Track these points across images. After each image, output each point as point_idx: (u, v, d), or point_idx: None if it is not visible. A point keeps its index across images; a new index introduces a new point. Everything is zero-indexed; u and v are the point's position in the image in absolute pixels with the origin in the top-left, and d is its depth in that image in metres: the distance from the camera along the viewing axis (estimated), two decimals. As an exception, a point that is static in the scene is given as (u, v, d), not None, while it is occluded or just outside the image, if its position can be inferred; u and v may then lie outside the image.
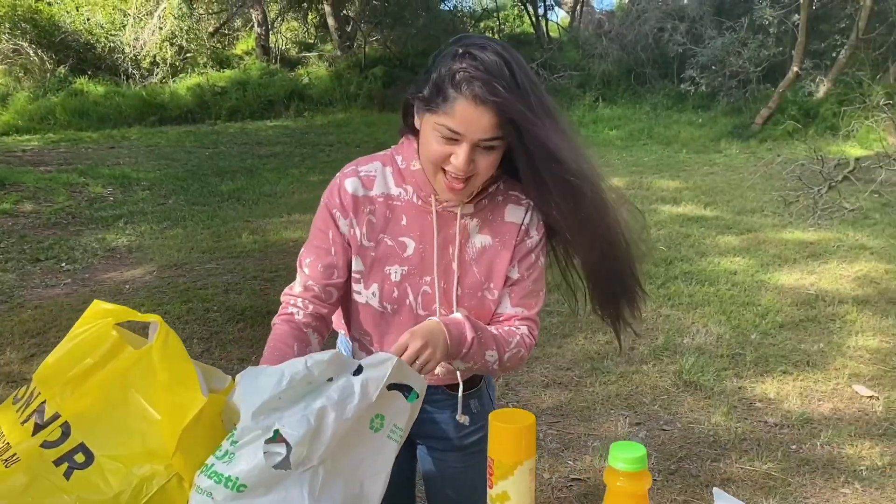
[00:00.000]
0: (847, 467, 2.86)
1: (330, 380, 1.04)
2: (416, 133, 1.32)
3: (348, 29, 16.24)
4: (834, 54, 10.05)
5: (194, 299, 4.54)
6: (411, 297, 1.36)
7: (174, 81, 15.05)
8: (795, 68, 9.57)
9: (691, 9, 11.32)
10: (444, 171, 1.24)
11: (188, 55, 15.77)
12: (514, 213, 1.38)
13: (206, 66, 15.77)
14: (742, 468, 2.88)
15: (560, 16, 18.85)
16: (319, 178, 8.39)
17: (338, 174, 1.38)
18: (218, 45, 17.28)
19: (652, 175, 8.10)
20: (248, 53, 16.89)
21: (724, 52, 10.02)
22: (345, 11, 16.03)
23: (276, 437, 0.96)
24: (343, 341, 1.55)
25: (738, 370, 3.72)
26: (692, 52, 10.64)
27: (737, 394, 3.50)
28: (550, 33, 15.63)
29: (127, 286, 4.86)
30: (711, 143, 9.79)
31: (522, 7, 16.12)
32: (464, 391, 1.42)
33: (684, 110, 11.34)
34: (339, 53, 15.86)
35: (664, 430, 3.21)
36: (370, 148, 9.46)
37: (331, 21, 15.87)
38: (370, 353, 1.41)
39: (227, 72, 15.60)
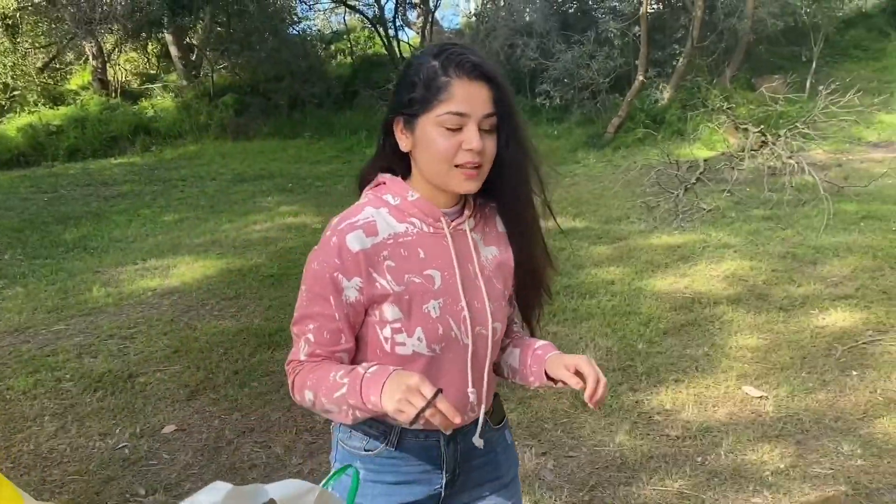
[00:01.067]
0: (753, 474, 2.87)
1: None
2: (398, 162, 1.33)
3: (193, 58, 15.54)
4: (674, 62, 10.62)
5: (42, 368, 4.02)
6: (454, 328, 1.31)
7: (2, 122, 13.82)
8: (640, 77, 10.01)
9: (538, 24, 11.62)
10: (455, 166, 1.24)
11: (15, 93, 14.54)
12: (501, 224, 1.43)
13: (37, 104, 14.58)
14: (655, 489, 2.82)
15: (410, 36, 18.97)
16: (174, 217, 7.85)
17: (330, 234, 1.28)
18: (49, 80, 16.05)
19: (519, 189, 8.15)
20: (84, 88, 15.78)
21: (574, 66, 10.33)
22: (188, 40, 15.32)
23: None
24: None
25: (632, 383, 3.70)
26: (544, 67, 10.91)
27: (635, 409, 3.47)
28: (403, 54, 15.62)
29: (-42, 361, 4.25)
30: (569, 154, 10.04)
31: (373, 28, 16.03)
32: (498, 423, 1.47)
33: (539, 123, 11.60)
34: (184, 83, 15.13)
35: (571, 456, 3.12)
36: (228, 180, 8.94)
37: (173, 50, 15.12)
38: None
39: (63, 109, 14.48)
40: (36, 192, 9.87)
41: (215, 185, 9.87)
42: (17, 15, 14.05)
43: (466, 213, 1.36)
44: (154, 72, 16.91)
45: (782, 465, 2.91)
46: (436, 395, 1.11)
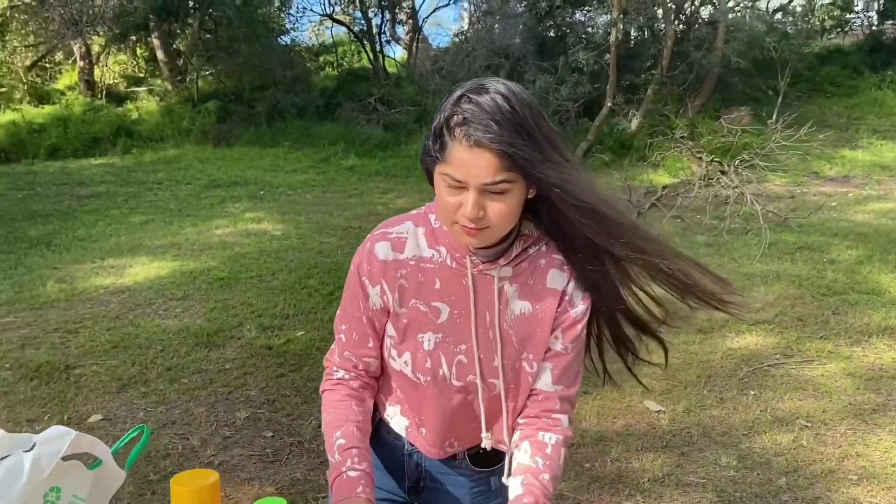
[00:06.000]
0: (632, 480, 3.06)
1: (5, 458, 1.00)
2: None
3: (179, 63, 15.77)
4: (644, 89, 10.89)
5: (-17, 357, 4.19)
6: (445, 367, 1.30)
7: (-15, 119, 13.98)
8: (609, 104, 10.27)
9: (515, 48, 11.90)
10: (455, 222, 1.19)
11: (1, 90, 14.71)
12: (557, 279, 1.29)
13: (22, 102, 14.76)
14: (537, 491, 3.00)
15: (400, 53, 19.28)
16: (141, 219, 8.02)
17: (368, 237, 1.32)
18: (37, 79, 16.24)
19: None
20: (70, 88, 15.97)
21: (543, 94, 10.58)
22: (175, 45, 15.57)
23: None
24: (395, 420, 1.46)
25: (544, 394, 3.89)
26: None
27: (541, 418, 3.65)
28: (388, 69, 15.89)
29: None
30: (538, 174, 10.27)
31: (359, 44, 16.31)
32: (490, 466, 1.44)
33: (514, 143, 11.84)
34: (170, 88, 15.34)
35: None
36: (202, 185, 9.14)
37: (160, 55, 15.34)
38: (417, 426, 1.40)
39: (47, 108, 14.66)
40: (12, 189, 10.02)
41: (189, 190, 10.04)
42: (8, 13, 14.25)
43: (501, 261, 1.27)
44: (141, 75, 17.12)
45: (660, 474, 3.10)
46: None
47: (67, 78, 16.59)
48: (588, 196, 1.18)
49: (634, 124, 10.68)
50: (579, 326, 1.30)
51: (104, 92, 15.54)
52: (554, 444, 1.30)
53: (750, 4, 13.02)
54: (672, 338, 4.48)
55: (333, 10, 16.25)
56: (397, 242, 1.29)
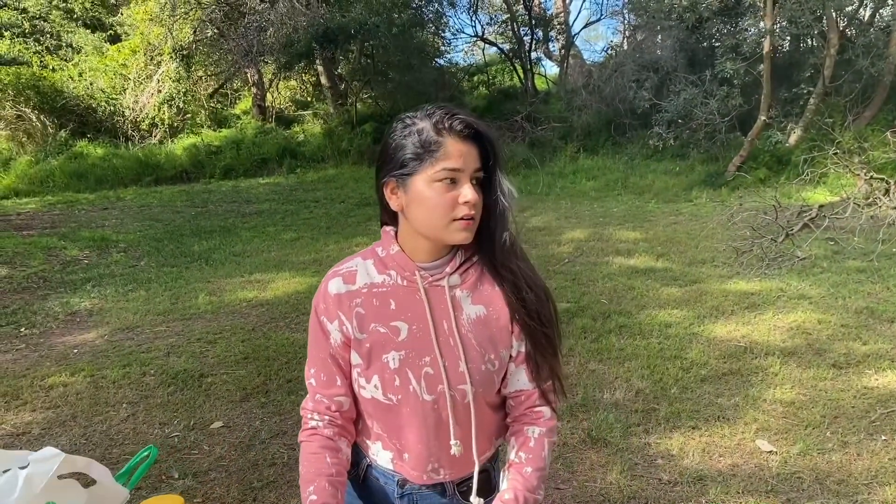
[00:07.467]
0: (724, 525, 2.90)
1: (6, 471, 1.16)
2: (393, 220, 1.41)
3: (342, 87, 16.67)
4: (801, 102, 10.18)
5: (134, 363, 4.67)
6: (413, 382, 1.35)
7: (172, 142, 15.51)
8: (763, 117, 9.69)
9: (666, 61, 11.54)
10: (453, 220, 1.29)
11: (187, 116, 16.26)
12: None
13: (203, 126, 16.22)
14: (620, 528, 2.92)
15: (553, 69, 19.25)
16: (292, 235, 8.58)
17: (322, 282, 1.42)
18: (218, 105, 17.79)
19: (616, 226, 8.19)
20: (245, 113, 17.37)
21: (688, 106, 10.17)
22: (338, 70, 16.49)
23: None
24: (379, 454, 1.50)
25: (649, 426, 3.76)
26: (659, 108, 10.82)
27: (641, 450, 3.54)
28: (537, 87, 15.93)
29: (75, 351, 5.01)
30: (683, 192, 9.89)
31: (509, 63, 16.47)
32: (483, 497, 1.46)
33: (663, 159, 11.49)
34: (332, 111, 16.26)
35: (560, 489, 3.26)
36: (354, 203, 9.64)
37: (324, 80, 16.32)
38: (399, 453, 1.44)
39: (224, 131, 16.05)
40: (189, 206, 11.07)
41: (341, 208, 10.62)
42: (193, 46, 15.76)
43: (447, 269, 1.37)
44: (308, 100, 18.29)
45: (757, 520, 2.91)
46: None
47: (245, 103, 18.07)
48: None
49: (793, 139, 10.00)
50: None
51: (274, 116, 16.76)
52: (537, 437, 1.41)
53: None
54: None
55: (484, 31, 16.54)
56: (348, 276, 1.39)
